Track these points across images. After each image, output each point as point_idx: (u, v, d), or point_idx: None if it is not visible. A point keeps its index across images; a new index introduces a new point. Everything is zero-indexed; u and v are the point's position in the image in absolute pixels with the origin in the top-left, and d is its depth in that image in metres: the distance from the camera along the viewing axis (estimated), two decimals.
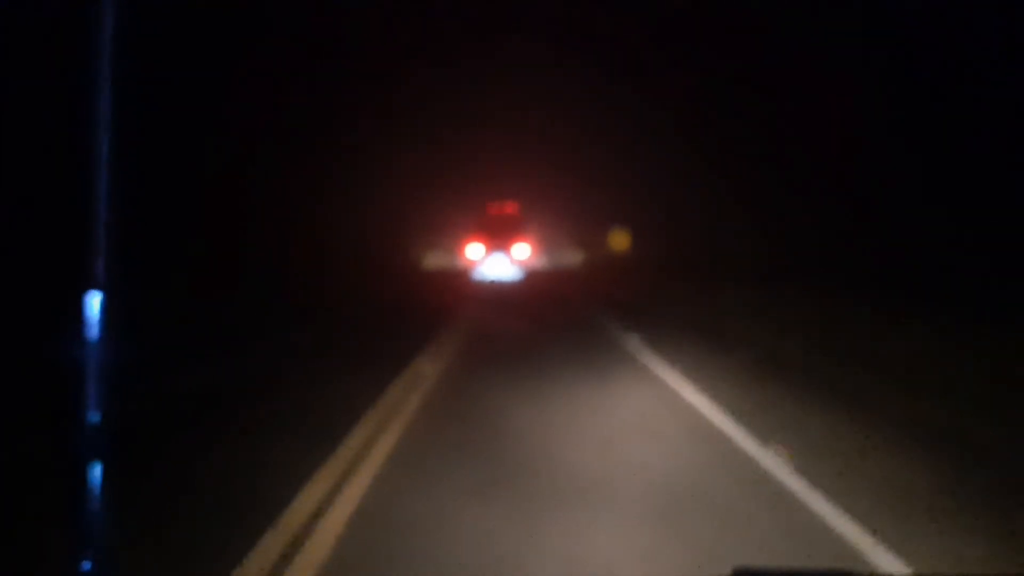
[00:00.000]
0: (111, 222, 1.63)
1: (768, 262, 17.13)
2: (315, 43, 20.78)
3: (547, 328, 12.20)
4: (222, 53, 13.65)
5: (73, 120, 1.63)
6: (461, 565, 3.20)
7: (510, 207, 31.22)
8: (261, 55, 16.53)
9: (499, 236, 29.03)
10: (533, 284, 25.42)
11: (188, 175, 12.39)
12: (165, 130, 10.76)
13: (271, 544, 3.42)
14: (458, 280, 28.19)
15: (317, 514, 3.80)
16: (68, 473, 1.75)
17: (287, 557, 3.32)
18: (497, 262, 29.03)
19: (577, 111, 32.30)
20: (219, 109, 13.85)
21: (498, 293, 21.00)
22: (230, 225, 14.52)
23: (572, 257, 42.48)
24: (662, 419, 5.89)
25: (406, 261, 36.61)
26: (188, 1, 11.92)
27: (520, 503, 3.95)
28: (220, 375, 7.55)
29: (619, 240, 28.43)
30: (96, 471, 1.73)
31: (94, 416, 1.71)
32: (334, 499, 4.01)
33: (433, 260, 42.08)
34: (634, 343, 9.79)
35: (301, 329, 11.10)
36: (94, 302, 1.68)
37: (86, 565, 1.71)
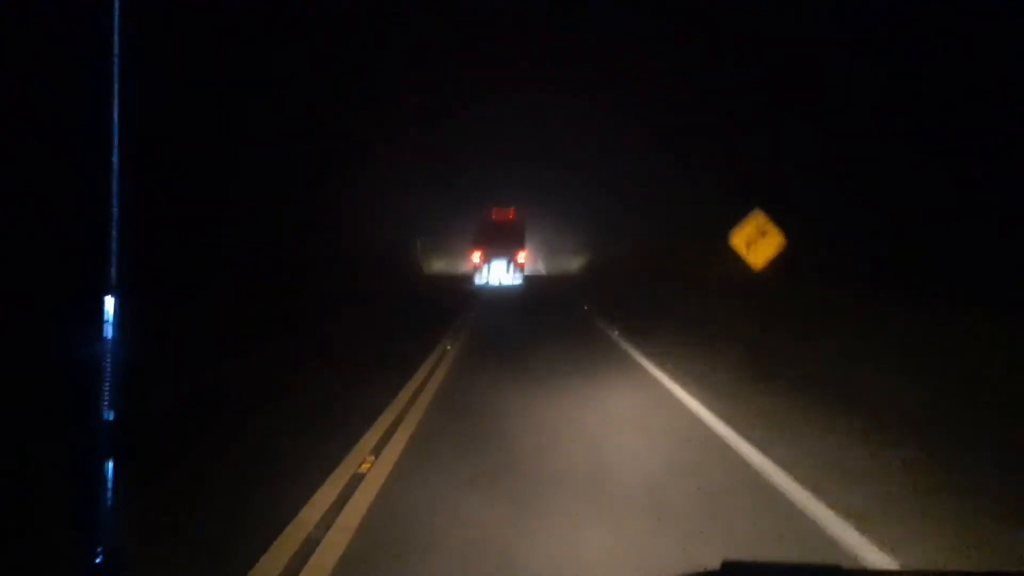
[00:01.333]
0: (126, 226, 1.69)
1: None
2: (326, 47, 20.86)
3: None
4: (233, 55, 13.72)
5: (88, 124, 1.68)
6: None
7: (513, 213, 31.49)
8: (268, 59, 16.60)
9: (501, 242, 29.40)
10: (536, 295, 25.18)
11: (203, 181, 12.45)
12: (179, 134, 10.82)
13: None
14: (461, 285, 28.65)
15: None
16: (82, 469, 1.80)
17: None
18: (498, 268, 29.44)
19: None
20: (229, 114, 13.92)
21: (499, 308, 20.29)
22: (236, 227, 14.58)
23: (573, 263, 42.78)
24: None
25: (412, 266, 36.77)
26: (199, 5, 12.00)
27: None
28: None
29: (757, 241, 12.05)
30: (109, 467, 1.78)
31: (108, 414, 1.76)
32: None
33: (437, 265, 42.45)
34: None
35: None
36: (109, 304, 1.73)
37: (99, 559, 1.76)
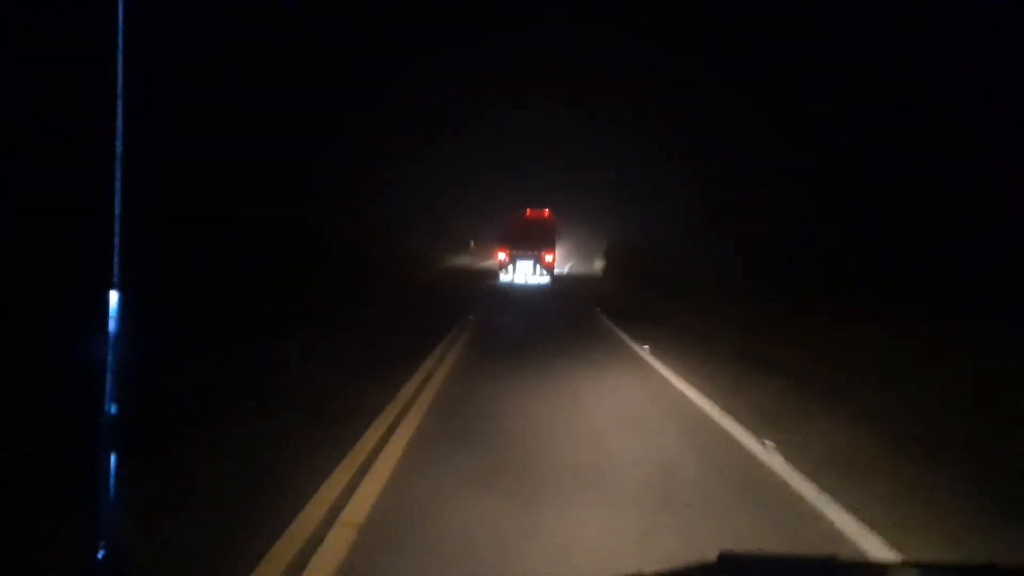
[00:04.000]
0: (130, 223, 1.69)
1: None
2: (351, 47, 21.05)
3: None
4: (246, 49, 13.78)
5: (92, 121, 1.68)
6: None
7: (545, 213, 31.05)
8: (293, 55, 16.71)
9: (530, 241, 28.99)
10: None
11: (213, 179, 12.55)
12: (188, 131, 10.89)
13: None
14: (487, 280, 28.70)
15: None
16: (85, 464, 1.80)
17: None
18: (524, 267, 29.09)
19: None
20: (242, 111, 13.99)
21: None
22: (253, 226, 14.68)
23: (596, 266, 42.74)
24: None
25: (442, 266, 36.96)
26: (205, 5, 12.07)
27: None
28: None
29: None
30: (112, 462, 1.78)
31: (112, 408, 1.77)
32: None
33: (466, 261, 42.75)
34: None
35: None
36: (112, 299, 1.73)
37: (101, 554, 1.76)
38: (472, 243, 37.93)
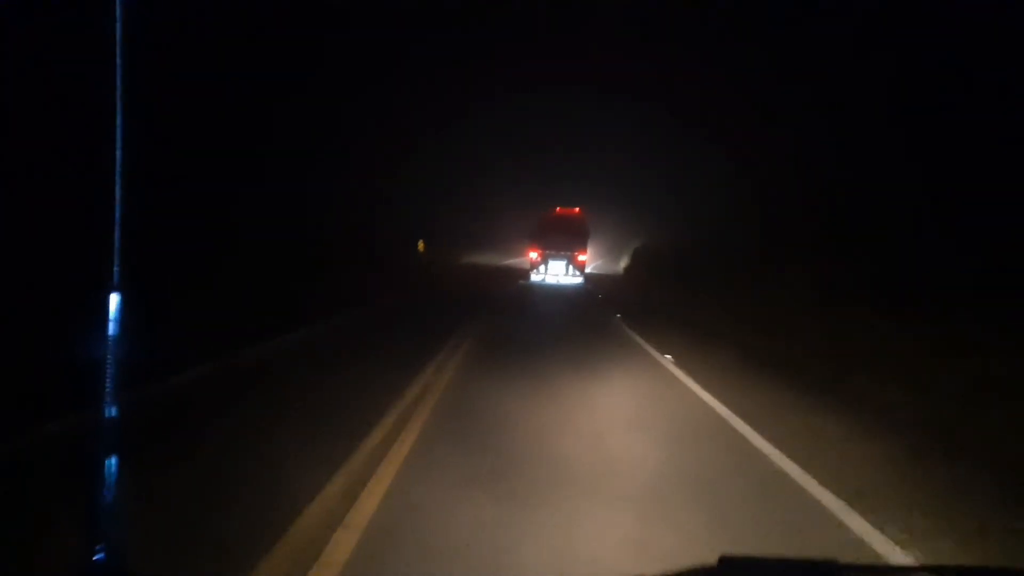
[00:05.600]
0: (130, 224, 1.67)
1: None
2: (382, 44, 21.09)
3: None
4: (251, 50, 13.73)
5: (92, 122, 1.67)
6: None
7: (576, 211, 30.41)
8: (320, 49, 16.70)
9: (562, 241, 28.40)
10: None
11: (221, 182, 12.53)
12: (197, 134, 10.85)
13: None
14: (517, 278, 28.64)
15: None
16: (84, 466, 1.79)
17: None
18: (556, 267, 28.52)
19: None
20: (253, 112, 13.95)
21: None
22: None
23: (620, 266, 42.67)
24: None
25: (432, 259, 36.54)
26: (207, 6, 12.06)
27: None
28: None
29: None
30: (111, 464, 1.77)
31: (111, 410, 1.76)
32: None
33: (494, 260, 42.85)
34: None
35: None
36: (112, 301, 1.72)
37: (100, 557, 1.75)
38: (420, 243, 35.88)
